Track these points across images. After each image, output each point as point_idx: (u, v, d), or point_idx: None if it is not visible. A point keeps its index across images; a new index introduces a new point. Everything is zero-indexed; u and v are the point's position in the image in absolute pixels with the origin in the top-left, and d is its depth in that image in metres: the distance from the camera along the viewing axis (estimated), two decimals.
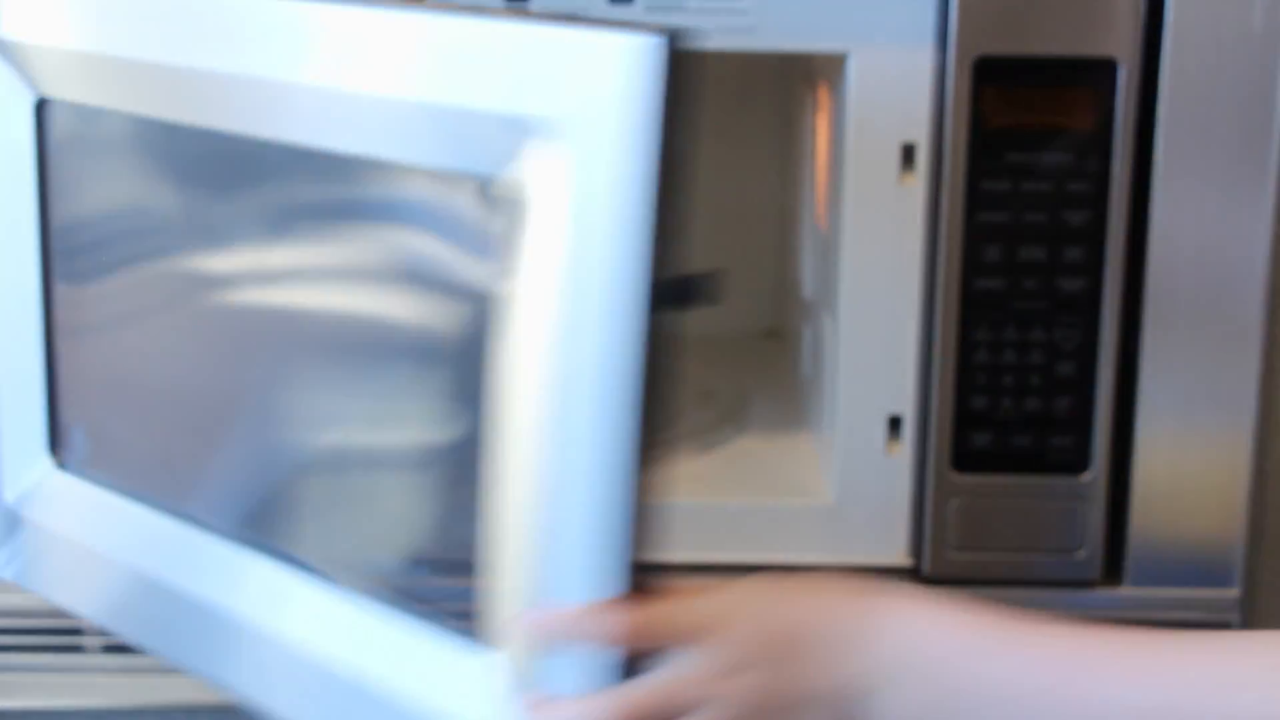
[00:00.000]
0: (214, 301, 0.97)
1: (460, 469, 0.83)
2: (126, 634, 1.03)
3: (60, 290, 1.03)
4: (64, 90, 1.00)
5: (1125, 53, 1.06)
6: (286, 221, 0.93)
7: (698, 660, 0.77)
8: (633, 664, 0.77)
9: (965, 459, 1.11)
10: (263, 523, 0.95)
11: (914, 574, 1.14)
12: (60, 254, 1.03)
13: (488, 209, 0.80)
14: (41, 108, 1.02)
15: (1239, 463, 1.10)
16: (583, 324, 0.76)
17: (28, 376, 1.05)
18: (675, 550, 1.15)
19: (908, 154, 1.08)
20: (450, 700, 0.84)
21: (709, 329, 1.23)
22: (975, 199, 1.08)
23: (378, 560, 0.90)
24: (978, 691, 0.75)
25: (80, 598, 1.05)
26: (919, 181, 1.08)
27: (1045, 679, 0.74)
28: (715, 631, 0.77)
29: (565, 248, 0.76)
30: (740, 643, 0.77)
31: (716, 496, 1.14)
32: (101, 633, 1.15)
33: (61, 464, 1.05)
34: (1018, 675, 0.74)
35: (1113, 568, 1.14)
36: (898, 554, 1.13)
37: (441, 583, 0.87)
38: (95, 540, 1.03)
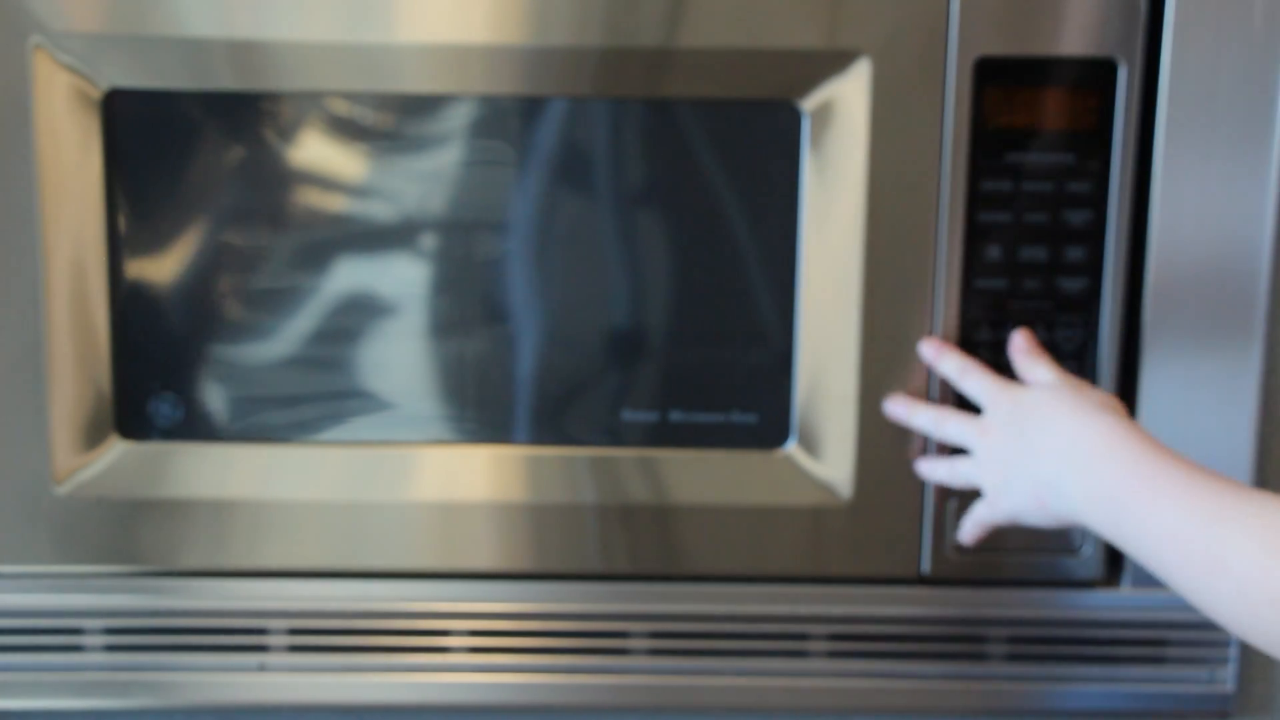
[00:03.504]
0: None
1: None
2: None
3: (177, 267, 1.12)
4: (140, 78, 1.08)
5: (1125, 53, 1.06)
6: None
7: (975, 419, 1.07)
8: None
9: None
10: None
11: (914, 574, 1.14)
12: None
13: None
14: (110, 99, 1.08)
15: (1239, 462, 1.10)
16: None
17: (88, 367, 1.12)
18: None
19: None
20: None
21: None
22: (975, 199, 1.08)
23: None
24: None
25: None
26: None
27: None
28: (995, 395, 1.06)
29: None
30: (1005, 410, 1.05)
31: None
32: (101, 633, 1.15)
33: (140, 436, 1.12)
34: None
35: (1113, 568, 1.14)
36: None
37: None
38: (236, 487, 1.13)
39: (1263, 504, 0.89)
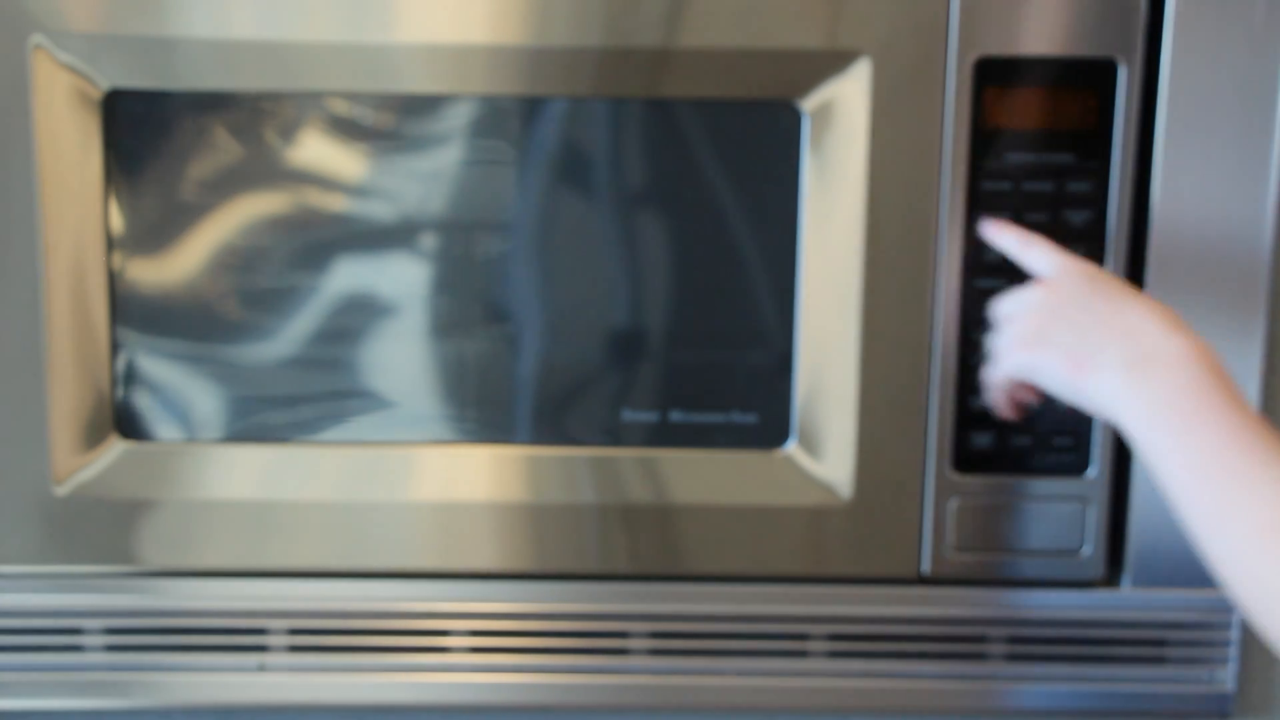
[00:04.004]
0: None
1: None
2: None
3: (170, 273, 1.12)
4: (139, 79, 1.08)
5: (1125, 53, 1.06)
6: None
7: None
8: None
9: (965, 459, 1.11)
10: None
11: (914, 574, 1.14)
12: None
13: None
14: (111, 99, 1.08)
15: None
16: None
17: (88, 367, 1.12)
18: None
19: None
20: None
21: None
22: (975, 199, 1.08)
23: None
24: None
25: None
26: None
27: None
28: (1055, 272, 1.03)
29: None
30: (1078, 275, 1.01)
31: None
32: (101, 632, 1.15)
33: (140, 436, 1.13)
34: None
35: (1113, 568, 1.14)
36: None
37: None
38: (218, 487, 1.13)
39: None
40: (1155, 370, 0.93)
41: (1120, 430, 0.95)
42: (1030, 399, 1.06)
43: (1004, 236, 1.07)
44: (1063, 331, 0.98)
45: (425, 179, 1.11)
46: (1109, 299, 0.98)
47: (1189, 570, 1.09)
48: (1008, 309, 1.03)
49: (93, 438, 1.13)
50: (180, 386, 1.13)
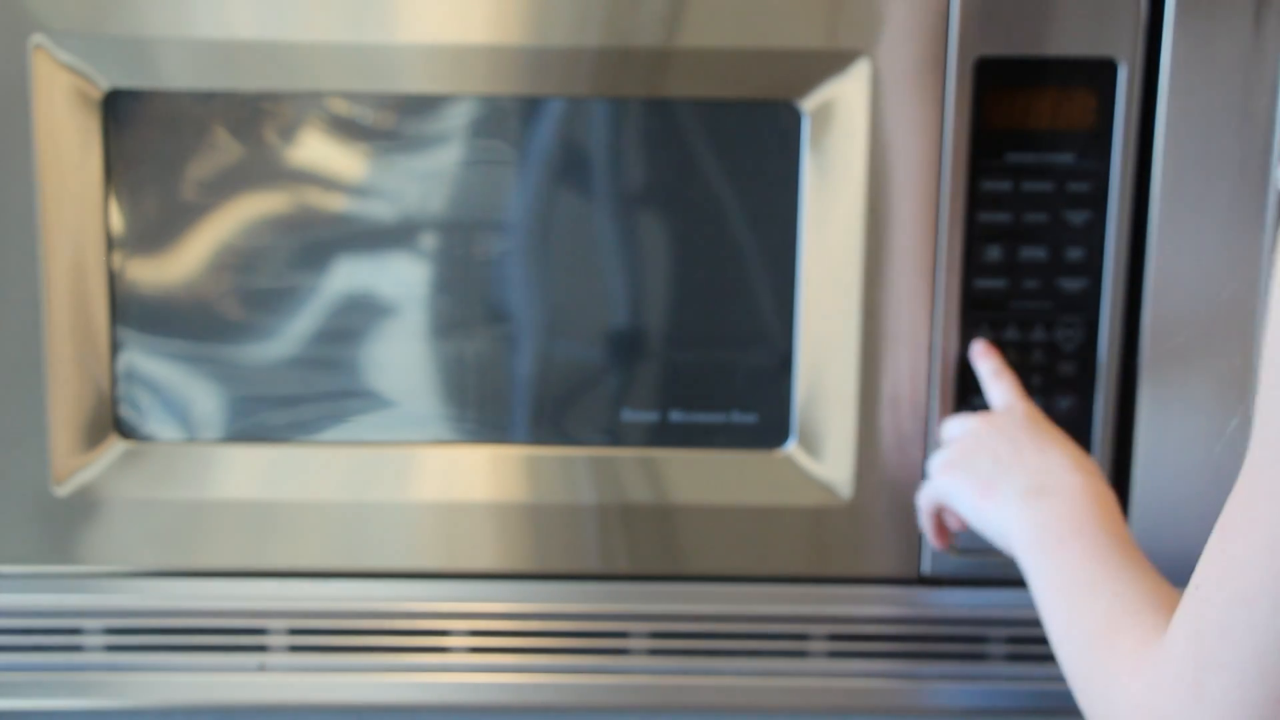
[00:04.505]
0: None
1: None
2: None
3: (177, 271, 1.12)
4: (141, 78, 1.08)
5: (1125, 53, 1.06)
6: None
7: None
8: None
9: None
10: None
11: (914, 574, 1.14)
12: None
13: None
14: (111, 99, 1.08)
15: (1240, 462, 1.10)
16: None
17: (88, 367, 1.12)
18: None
19: None
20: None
21: None
22: (975, 199, 1.08)
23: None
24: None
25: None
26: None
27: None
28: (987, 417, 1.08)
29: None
30: (1020, 412, 1.06)
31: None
32: (101, 633, 1.15)
33: (140, 436, 1.13)
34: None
35: None
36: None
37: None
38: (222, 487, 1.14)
39: (1135, 617, 0.88)
40: (1046, 500, 0.99)
41: (1012, 555, 1.00)
42: (955, 525, 1.09)
43: (985, 361, 1.09)
44: (983, 460, 1.04)
45: (425, 179, 1.11)
46: (1034, 439, 1.03)
47: (1187, 572, 1.09)
48: (948, 433, 1.09)
49: (93, 438, 1.13)
50: (180, 386, 1.13)
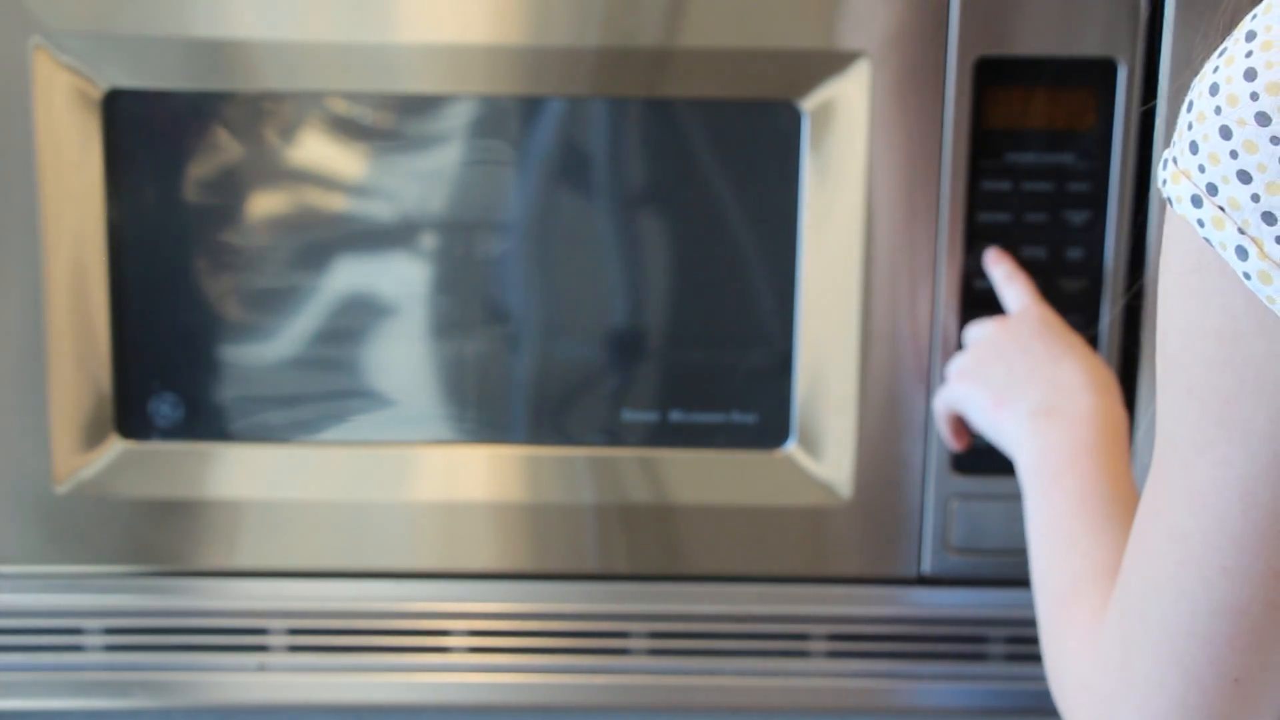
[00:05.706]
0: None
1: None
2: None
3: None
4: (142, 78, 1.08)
5: (1125, 53, 1.06)
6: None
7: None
8: None
9: (965, 459, 1.11)
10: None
11: (914, 574, 1.14)
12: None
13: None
14: (111, 99, 1.08)
15: None
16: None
17: (88, 367, 1.12)
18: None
19: None
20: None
21: None
22: (975, 199, 1.08)
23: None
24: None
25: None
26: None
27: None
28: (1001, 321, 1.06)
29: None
30: (1033, 318, 1.05)
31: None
32: (101, 632, 1.15)
33: (140, 436, 1.13)
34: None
35: None
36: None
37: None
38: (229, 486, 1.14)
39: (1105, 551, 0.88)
40: (1055, 421, 0.98)
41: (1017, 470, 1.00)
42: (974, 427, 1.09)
43: (997, 267, 1.08)
44: (997, 369, 1.03)
45: (425, 179, 1.11)
46: (1049, 348, 1.02)
47: None
48: (968, 337, 1.08)
49: (93, 438, 1.13)
50: (180, 386, 1.13)
